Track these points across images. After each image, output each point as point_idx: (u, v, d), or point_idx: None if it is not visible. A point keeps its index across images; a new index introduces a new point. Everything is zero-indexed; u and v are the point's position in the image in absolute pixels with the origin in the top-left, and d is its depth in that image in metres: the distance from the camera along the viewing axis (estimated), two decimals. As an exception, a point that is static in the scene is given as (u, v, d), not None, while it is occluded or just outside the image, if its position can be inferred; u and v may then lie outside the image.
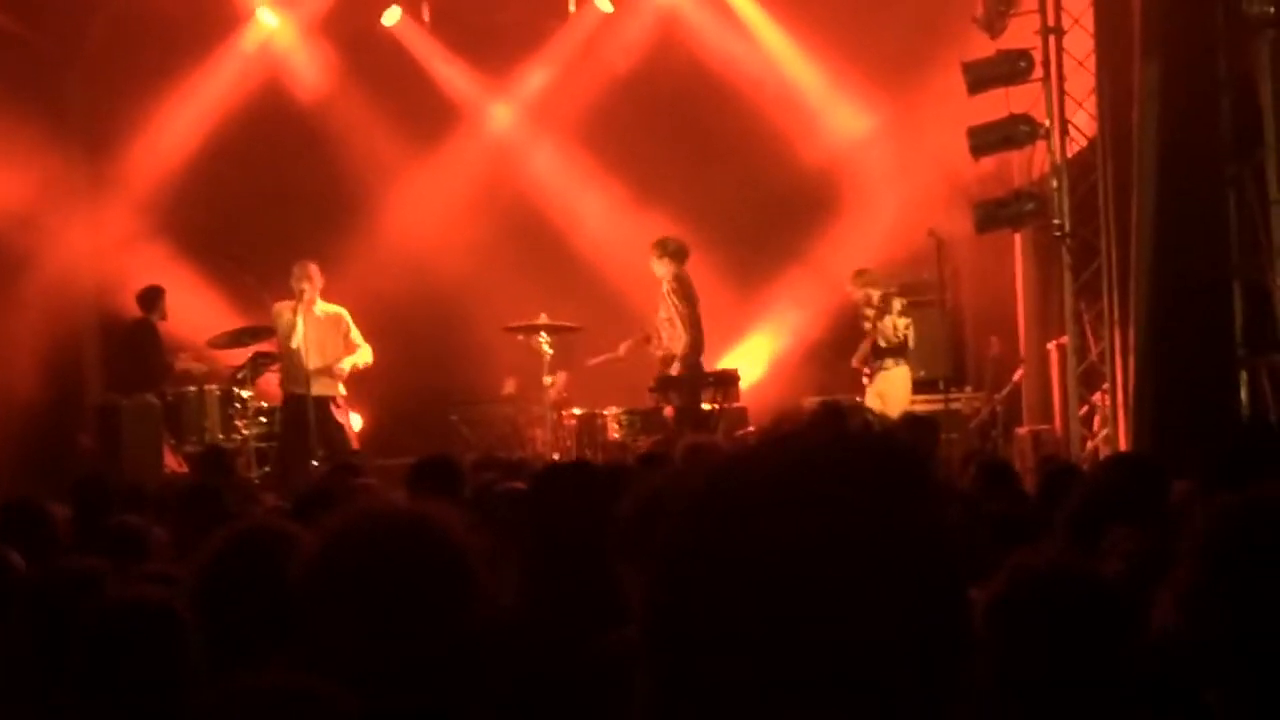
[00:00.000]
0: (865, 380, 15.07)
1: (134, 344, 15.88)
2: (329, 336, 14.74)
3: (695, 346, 14.61)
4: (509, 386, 17.49)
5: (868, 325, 14.92)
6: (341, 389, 14.98)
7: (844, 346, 16.50)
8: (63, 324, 17.08)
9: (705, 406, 14.73)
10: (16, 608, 4.20)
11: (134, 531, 6.44)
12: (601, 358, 15.55)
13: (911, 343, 14.84)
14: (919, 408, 14.97)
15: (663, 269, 14.63)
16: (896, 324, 14.71)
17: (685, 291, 14.56)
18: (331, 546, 2.96)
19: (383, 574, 2.88)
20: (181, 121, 18.20)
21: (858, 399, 15.80)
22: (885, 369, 14.80)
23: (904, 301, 14.84)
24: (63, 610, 4.08)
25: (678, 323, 14.52)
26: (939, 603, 1.56)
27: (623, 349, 15.25)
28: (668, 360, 14.68)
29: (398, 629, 2.85)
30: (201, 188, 18.16)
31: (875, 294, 14.92)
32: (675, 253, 14.67)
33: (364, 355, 14.92)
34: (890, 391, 14.65)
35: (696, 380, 14.64)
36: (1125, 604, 3.38)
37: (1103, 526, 5.15)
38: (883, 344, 14.76)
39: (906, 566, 1.54)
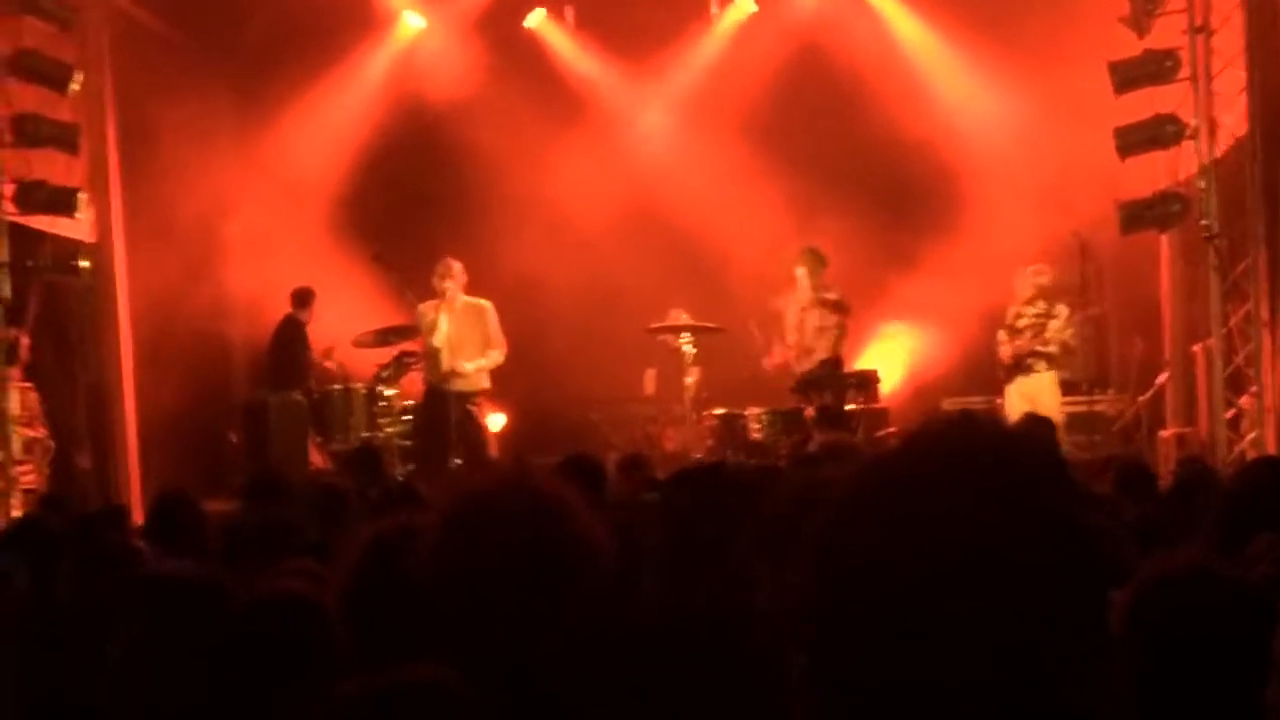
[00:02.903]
0: (1002, 376, 14.79)
1: (281, 342, 16.13)
2: (469, 330, 14.79)
3: (841, 362, 14.82)
4: (649, 383, 17.57)
5: (1023, 324, 14.61)
6: (485, 382, 15.06)
7: (983, 345, 16.39)
8: (211, 322, 17.39)
9: (847, 407, 14.74)
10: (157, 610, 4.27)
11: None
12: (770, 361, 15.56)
13: (1072, 349, 14.59)
14: (1065, 410, 14.85)
15: (817, 280, 14.75)
16: (1062, 333, 14.45)
17: (846, 315, 14.75)
18: (451, 530, 2.96)
19: (499, 560, 2.87)
20: (328, 123, 18.47)
21: (998, 400, 15.68)
22: (1036, 370, 14.55)
23: (1069, 310, 14.58)
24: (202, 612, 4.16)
25: (831, 334, 14.67)
26: (1082, 603, 1.60)
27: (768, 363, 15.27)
28: (803, 360, 14.79)
29: (515, 616, 2.83)
30: (348, 188, 18.43)
31: (1041, 302, 14.63)
32: (824, 262, 14.84)
33: (494, 358, 14.94)
34: (1039, 395, 14.38)
35: (840, 381, 14.65)
36: (1272, 608, 3.35)
37: (1247, 531, 5.08)
38: (1044, 350, 14.47)
39: (1050, 566, 1.59)
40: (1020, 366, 14.59)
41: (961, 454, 1.64)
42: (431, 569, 2.93)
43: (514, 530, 2.89)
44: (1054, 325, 14.50)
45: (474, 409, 14.88)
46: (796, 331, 14.93)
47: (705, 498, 4.63)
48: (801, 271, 14.87)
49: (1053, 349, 14.49)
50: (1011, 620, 1.56)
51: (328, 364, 16.42)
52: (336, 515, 6.59)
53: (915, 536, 1.58)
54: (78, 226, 14.17)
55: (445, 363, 14.67)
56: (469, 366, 14.76)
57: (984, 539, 1.57)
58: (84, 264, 14.11)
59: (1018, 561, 1.57)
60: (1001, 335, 14.72)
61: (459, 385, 14.68)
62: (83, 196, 13.75)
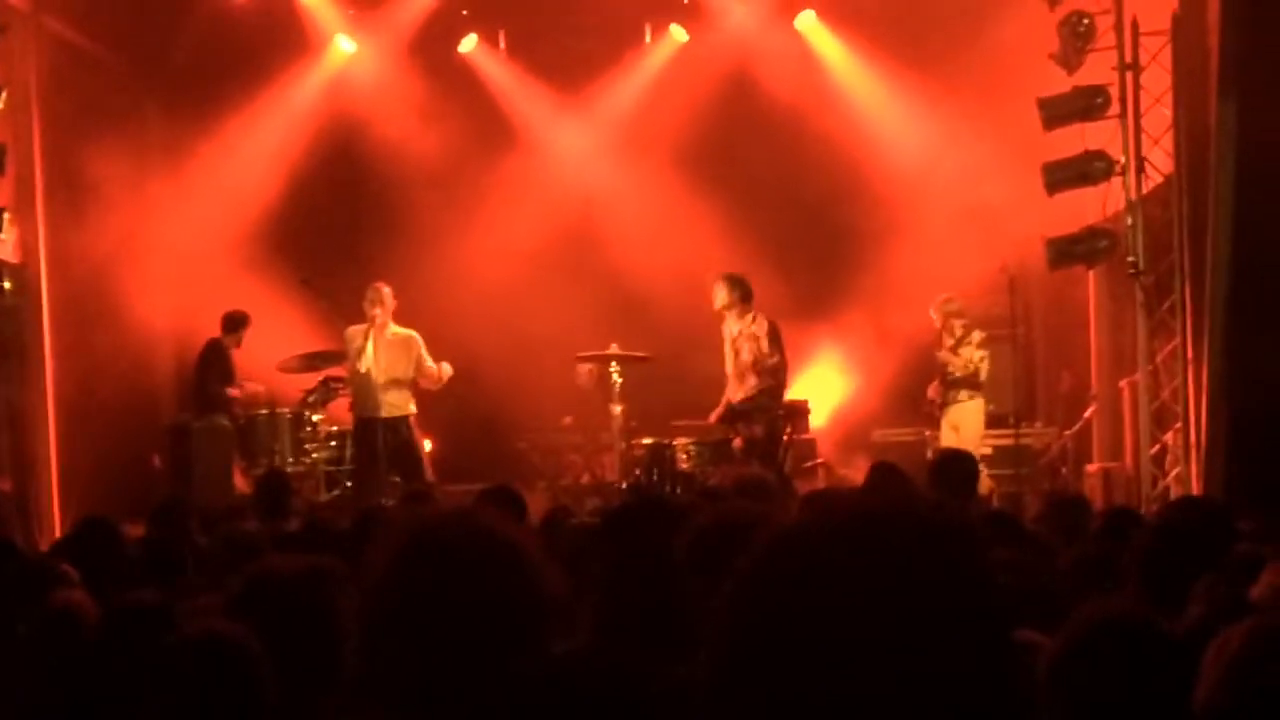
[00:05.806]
0: (936, 412, 14.87)
1: (205, 367, 15.99)
2: (399, 359, 14.73)
3: (779, 391, 14.66)
4: (567, 420, 17.42)
5: (941, 354, 14.70)
6: (412, 408, 14.93)
7: (913, 378, 16.46)
8: (138, 344, 17.23)
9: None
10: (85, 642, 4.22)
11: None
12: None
13: (984, 376, 14.63)
14: (989, 443, 14.89)
15: (741, 310, 14.55)
16: (971, 356, 14.54)
17: (779, 342, 14.52)
18: (402, 566, 2.90)
19: (450, 594, 2.83)
20: (258, 145, 18.36)
21: (927, 433, 15.74)
22: (959, 401, 14.62)
23: (984, 335, 14.66)
24: (129, 643, 4.10)
25: (766, 370, 14.46)
26: (984, 664, 1.64)
27: (713, 418, 15.05)
28: (735, 389, 14.66)
29: (465, 651, 2.79)
30: (276, 211, 18.31)
31: (958, 324, 14.70)
32: (748, 293, 14.60)
33: (446, 369, 14.86)
34: (964, 423, 14.47)
35: (770, 412, 14.57)
36: (1193, 656, 3.36)
37: (1171, 571, 5.10)
38: (954, 374, 14.59)
39: (954, 631, 1.63)
40: (945, 399, 14.66)
41: (865, 524, 1.68)
42: (380, 606, 2.89)
43: (469, 568, 2.85)
44: (965, 350, 14.58)
45: (407, 432, 14.76)
46: (732, 361, 14.77)
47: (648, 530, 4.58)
48: (718, 300, 14.64)
49: (955, 372, 14.55)
50: (916, 684, 1.58)
51: (249, 388, 16.19)
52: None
53: (822, 603, 1.61)
54: (1, 246, 14.03)
55: (378, 386, 14.57)
56: (434, 366, 14.71)
57: (890, 604, 1.61)
58: (6, 285, 13.97)
59: (925, 628, 1.61)
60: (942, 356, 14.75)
61: (386, 411, 14.59)
62: (6, 216, 13.60)
